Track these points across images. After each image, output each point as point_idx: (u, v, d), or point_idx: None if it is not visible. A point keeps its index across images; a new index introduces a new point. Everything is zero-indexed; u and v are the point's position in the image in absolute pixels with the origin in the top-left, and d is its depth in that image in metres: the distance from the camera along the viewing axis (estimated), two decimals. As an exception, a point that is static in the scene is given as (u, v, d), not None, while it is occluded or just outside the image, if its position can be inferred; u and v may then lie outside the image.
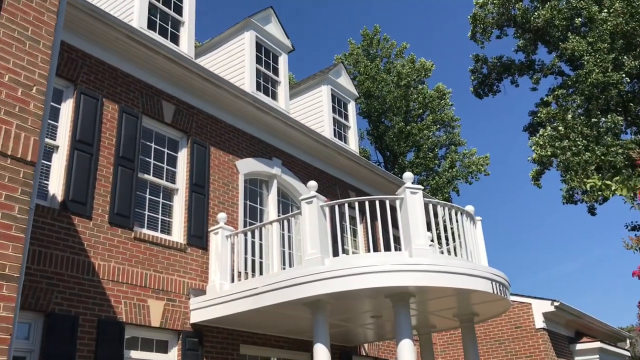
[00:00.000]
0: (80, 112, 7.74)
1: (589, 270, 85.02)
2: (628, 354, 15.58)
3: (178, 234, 8.72)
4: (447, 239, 8.13)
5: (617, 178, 4.12)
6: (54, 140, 7.53)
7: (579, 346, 13.28)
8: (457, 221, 8.09)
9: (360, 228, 12.42)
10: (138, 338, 7.78)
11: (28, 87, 4.66)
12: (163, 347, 8.03)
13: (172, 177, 9.00)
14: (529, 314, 12.48)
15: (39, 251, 6.82)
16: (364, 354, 11.59)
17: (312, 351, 7.44)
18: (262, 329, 9.27)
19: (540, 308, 12.37)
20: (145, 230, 8.25)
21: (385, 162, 28.52)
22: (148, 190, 8.59)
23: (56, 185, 7.35)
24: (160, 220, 8.65)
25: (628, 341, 17.01)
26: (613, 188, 4.06)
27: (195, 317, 8.30)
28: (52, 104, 7.57)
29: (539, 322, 12.31)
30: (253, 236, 8.73)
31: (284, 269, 8.29)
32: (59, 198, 7.28)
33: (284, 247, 9.29)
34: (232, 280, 8.58)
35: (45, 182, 7.33)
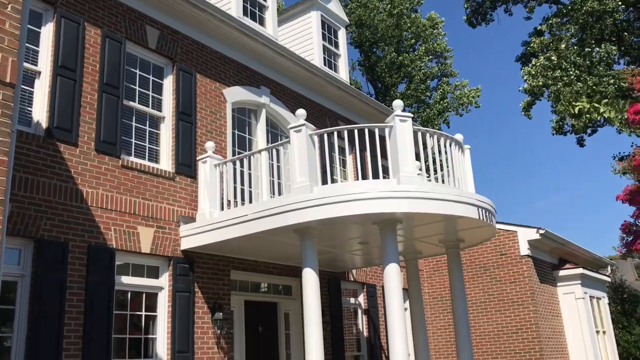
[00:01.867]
0: (61, 37, 7.51)
1: (575, 203, 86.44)
2: (608, 279, 16.07)
3: (166, 162, 8.69)
4: (435, 168, 8.17)
5: (606, 101, 4.08)
6: (35, 65, 7.34)
7: (561, 272, 13.67)
8: (445, 149, 8.10)
9: (349, 159, 12.44)
10: (129, 264, 7.89)
11: (3, 4, 4.48)
12: (154, 273, 8.17)
13: (158, 105, 8.87)
14: (514, 242, 12.75)
15: (26, 178, 6.78)
16: (352, 279, 11.87)
17: (301, 277, 7.59)
18: (252, 255, 9.42)
19: (525, 236, 12.63)
20: (132, 158, 8.21)
21: (376, 94, 28.27)
22: (134, 118, 8.48)
23: (40, 112, 7.23)
24: (147, 148, 8.59)
25: (609, 268, 17.53)
26: (601, 110, 4.03)
27: (186, 244, 8.41)
28: (32, 27, 7.34)
29: (524, 250, 12.60)
30: (242, 165, 8.72)
31: (273, 197, 8.33)
32: (44, 125, 7.18)
33: (273, 176, 9.29)
34: (222, 209, 8.63)
35: (29, 108, 7.20)
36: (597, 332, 14.01)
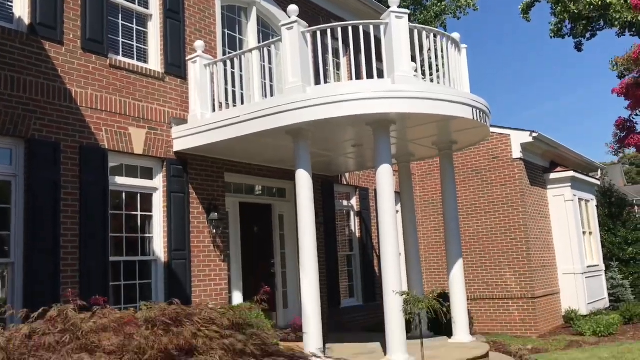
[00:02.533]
0: None
1: (570, 110, 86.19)
2: (598, 182, 16.32)
3: (155, 62, 8.47)
4: (430, 68, 8.01)
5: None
6: (12, -43, 6.95)
7: (552, 175, 13.83)
8: (441, 48, 7.91)
9: (343, 62, 12.17)
10: (122, 165, 7.89)
11: None
12: (148, 174, 8.20)
13: (145, 2, 8.52)
14: (507, 145, 12.78)
15: (12, 77, 6.62)
16: (345, 183, 11.99)
17: (295, 179, 7.63)
18: (245, 158, 9.43)
19: (518, 139, 12.64)
20: (120, 58, 7.99)
21: (371, -5, 27.22)
22: (120, 15, 8.17)
23: (21, 7, 6.93)
24: (135, 47, 8.35)
25: (599, 172, 17.75)
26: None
27: (178, 146, 8.37)
28: None
29: (516, 153, 12.66)
30: (233, 66, 8.52)
31: (265, 99, 8.20)
32: (26, 21, 6.91)
33: (265, 79, 9.11)
34: (213, 110, 8.53)
35: (9, 3, 6.90)
36: (584, 233, 14.40)
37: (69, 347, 3.00)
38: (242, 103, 8.33)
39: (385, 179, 7.42)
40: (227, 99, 8.57)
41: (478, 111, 7.79)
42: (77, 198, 7.06)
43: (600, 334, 11.71)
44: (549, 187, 13.91)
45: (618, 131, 4.55)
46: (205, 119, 8.27)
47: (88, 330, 3.17)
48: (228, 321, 3.72)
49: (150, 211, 8.18)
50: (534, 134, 12.56)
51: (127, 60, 8.04)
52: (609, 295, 15.24)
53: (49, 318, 3.30)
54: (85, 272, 6.97)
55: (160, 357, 3.04)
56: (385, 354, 7.28)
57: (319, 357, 4.19)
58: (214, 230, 8.77)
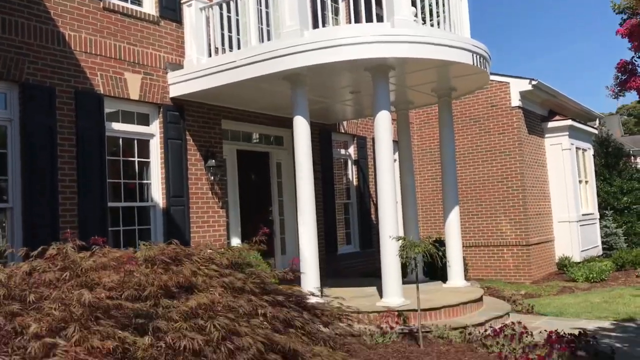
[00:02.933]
0: None
1: (570, 62, 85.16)
2: (595, 131, 16.29)
3: (149, 5, 8.28)
4: (431, 14, 7.85)
5: None
6: None
7: (550, 124, 13.78)
8: (442, -9, 7.73)
9: (342, 6, 11.91)
10: (118, 111, 7.82)
11: None
12: (144, 120, 8.14)
13: (137, -58, 8.27)
14: (506, 93, 12.68)
15: (3, 19, 6.47)
16: (343, 131, 11.94)
17: (292, 127, 7.59)
18: (242, 105, 9.35)
19: (517, 87, 12.54)
20: (114, 0, 7.79)
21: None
22: (112, -44, 7.93)
23: (9, -54, 6.71)
24: (129, -10, 8.14)
25: (598, 121, 17.69)
26: None
27: (175, 92, 8.28)
28: None
29: (515, 101, 12.57)
30: (229, 10, 8.32)
31: (262, 44, 8.05)
32: (15, -39, 6.71)
33: (261, 23, 8.91)
34: (210, 55, 8.40)
35: (-4, -58, 6.68)
36: (580, 181, 14.47)
37: (69, 284, 3.04)
38: (239, 48, 8.19)
39: (383, 125, 7.38)
40: (223, 44, 8.42)
41: (478, 57, 7.69)
42: (74, 143, 7.02)
43: (592, 280, 11.93)
44: (546, 135, 13.88)
45: (619, 74, 4.47)
46: (201, 64, 8.15)
47: (88, 268, 3.21)
48: (227, 260, 3.77)
49: (148, 158, 8.16)
50: (534, 82, 12.44)
51: (121, 3, 7.85)
52: (603, 243, 15.45)
53: (49, 256, 3.33)
54: (84, 217, 7.00)
55: (160, 293, 3.09)
56: (381, 297, 7.41)
57: (317, 295, 4.26)
58: (212, 177, 8.78)
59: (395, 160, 8.70)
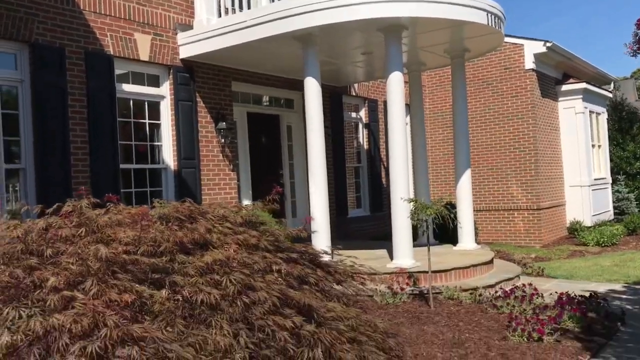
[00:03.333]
0: None
1: (586, 24, 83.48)
2: (610, 95, 16.04)
3: (158, -36, 8.15)
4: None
5: None
6: None
7: (564, 87, 13.57)
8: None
9: (353, -35, 11.67)
10: (129, 73, 7.77)
11: None
12: (155, 82, 8.09)
13: None
14: (520, 55, 12.46)
15: (10, -23, 6.39)
16: (354, 94, 11.84)
17: (303, 90, 7.52)
18: (253, 66, 9.26)
19: (531, 49, 12.31)
20: (122, -41, 7.67)
21: None
22: None
23: None
24: (137, -52, 7.99)
25: (612, 85, 17.41)
26: None
27: (184, 53, 8.20)
28: None
29: (529, 63, 12.37)
30: (239, -32, 8.17)
31: (273, 3, 7.93)
32: None
33: (272, -18, 8.76)
34: (220, 16, 8.28)
35: None
36: (593, 146, 14.33)
37: (85, 240, 3.05)
38: (249, 8, 8.06)
39: (395, 86, 7.29)
40: (233, 4, 8.31)
41: (493, 16, 7.53)
42: (85, 105, 7.00)
43: (603, 244, 11.92)
44: (560, 99, 13.69)
45: (639, 31, 4.31)
46: (210, 25, 8.04)
47: (103, 224, 3.22)
48: (241, 219, 3.78)
49: (159, 120, 8.14)
50: (548, 44, 12.21)
51: (129, -38, 7.73)
52: (614, 208, 15.38)
53: (64, 213, 3.34)
54: (96, 179, 7.03)
55: (176, 250, 3.10)
56: (392, 259, 7.45)
57: (329, 253, 4.28)
58: (223, 140, 8.76)
59: (407, 124, 8.64)
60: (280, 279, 3.21)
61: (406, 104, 10.90)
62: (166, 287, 2.81)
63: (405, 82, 9.61)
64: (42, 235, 3.13)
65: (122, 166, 7.50)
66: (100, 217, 3.30)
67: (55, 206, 3.43)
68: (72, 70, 6.90)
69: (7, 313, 2.55)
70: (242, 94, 9.59)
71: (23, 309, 2.58)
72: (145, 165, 7.99)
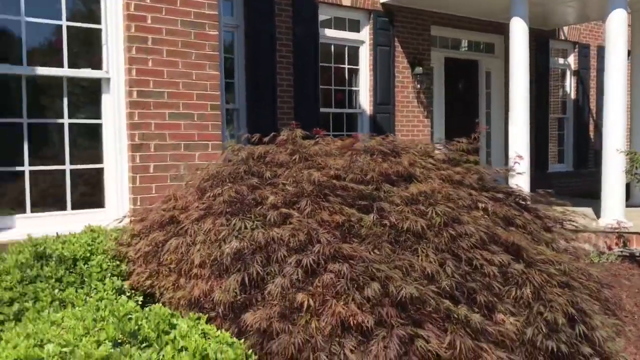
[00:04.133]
0: None
1: None
2: None
3: None
4: None
5: None
6: None
7: None
8: None
9: None
10: (331, 18, 7.97)
11: None
12: (355, 27, 8.21)
13: None
14: None
15: None
16: (563, 38, 10.84)
17: (506, 33, 7.08)
18: (452, 9, 8.92)
19: None
20: None
21: None
22: None
23: None
24: None
25: None
26: None
27: (385, -4, 8.18)
28: None
29: None
30: None
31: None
32: None
33: None
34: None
35: None
36: None
37: (298, 165, 3.24)
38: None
39: (616, 27, 6.53)
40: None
41: None
42: (291, 50, 7.36)
43: None
44: None
45: None
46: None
47: (313, 153, 3.39)
48: (443, 155, 3.71)
49: (357, 65, 8.28)
50: None
51: None
52: None
53: (279, 142, 3.58)
54: (299, 122, 7.37)
55: (380, 179, 3.15)
56: (598, 217, 6.84)
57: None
58: (418, 86, 8.66)
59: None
60: (486, 216, 3.11)
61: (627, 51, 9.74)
62: (373, 212, 2.88)
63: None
64: (261, 159, 3.39)
65: (321, 110, 7.80)
66: (311, 147, 3.47)
67: (271, 135, 3.68)
68: (280, 16, 7.26)
69: (234, 224, 2.82)
70: (441, 38, 9.32)
71: (247, 221, 2.84)
72: (343, 109, 8.23)
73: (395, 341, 2.33)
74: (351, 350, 2.35)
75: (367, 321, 2.36)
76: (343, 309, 2.39)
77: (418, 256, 2.70)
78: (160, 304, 2.61)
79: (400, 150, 3.66)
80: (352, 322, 2.37)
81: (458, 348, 2.37)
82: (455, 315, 2.51)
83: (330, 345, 2.36)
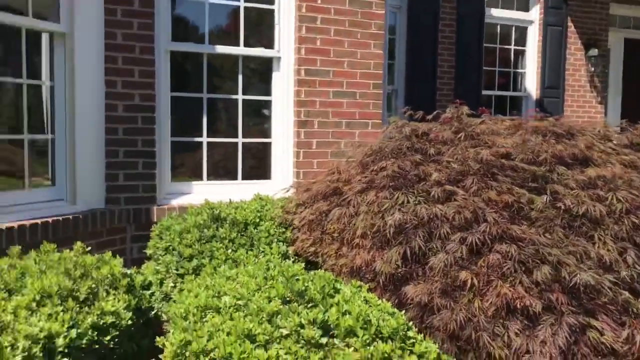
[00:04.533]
0: None
1: None
2: None
3: None
4: None
5: None
6: None
7: None
8: None
9: None
10: (498, -4, 7.63)
11: None
12: (524, 5, 7.77)
13: None
14: None
15: None
16: None
17: None
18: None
19: None
20: None
21: None
22: None
23: None
24: None
25: None
26: None
27: (559, -28, 7.62)
28: None
29: None
30: None
31: None
32: None
33: None
34: None
35: None
36: None
37: (464, 144, 3.16)
38: None
39: None
40: None
41: None
42: (454, 30, 7.16)
43: None
44: None
45: None
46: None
47: (480, 131, 3.28)
48: (626, 140, 3.40)
49: (524, 46, 7.84)
50: None
51: None
52: None
53: (443, 119, 3.51)
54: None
55: (554, 162, 2.97)
56: None
57: None
58: (592, 69, 7.99)
59: None
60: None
61: None
62: (547, 194, 2.72)
63: None
64: (424, 136, 3.36)
65: (483, 92, 7.52)
66: (478, 125, 3.36)
67: (434, 113, 3.63)
68: (445, -5, 7.10)
69: (397, 197, 2.84)
70: (621, 17, 8.50)
71: (410, 195, 2.84)
72: (506, 92, 7.86)
73: (565, 329, 2.20)
74: (516, 334, 2.26)
75: (535, 305, 2.25)
76: (509, 290, 2.31)
77: (594, 243, 2.51)
78: (323, 270, 2.71)
79: (576, 132, 3.42)
80: (518, 305, 2.28)
81: (638, 344, 2.18)
82: (635, 309, 2.31)
83: (494, 327, 2.29)
